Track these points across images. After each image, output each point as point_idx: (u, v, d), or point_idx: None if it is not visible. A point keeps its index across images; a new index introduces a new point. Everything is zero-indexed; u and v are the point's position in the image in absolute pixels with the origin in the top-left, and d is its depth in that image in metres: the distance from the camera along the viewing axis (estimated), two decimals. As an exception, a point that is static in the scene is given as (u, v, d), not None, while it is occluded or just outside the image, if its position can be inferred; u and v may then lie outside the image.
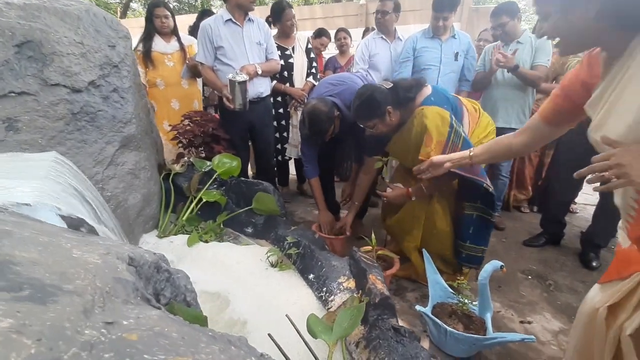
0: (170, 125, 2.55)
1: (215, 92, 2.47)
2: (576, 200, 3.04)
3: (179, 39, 2.80)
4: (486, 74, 2.51)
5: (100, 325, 0.30)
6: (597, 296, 0.88)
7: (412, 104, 1.67)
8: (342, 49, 3.34)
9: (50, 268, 0.37)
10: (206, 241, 1.82)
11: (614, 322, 0.80)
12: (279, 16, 2.67)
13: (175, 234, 1.88)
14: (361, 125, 1.75)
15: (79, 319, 0.29)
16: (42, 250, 0.42)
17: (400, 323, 1.30)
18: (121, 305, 0.36)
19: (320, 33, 3.44)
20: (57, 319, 0.28)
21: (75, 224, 1.01)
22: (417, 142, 1.56)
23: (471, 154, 1.34)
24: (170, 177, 2.10)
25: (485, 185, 1.61)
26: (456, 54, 2.48)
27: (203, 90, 3.15)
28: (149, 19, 2.67)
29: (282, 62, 2.68)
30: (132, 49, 1.87)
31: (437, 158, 1.47)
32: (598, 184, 0.76)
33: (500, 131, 2.47)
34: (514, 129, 2.47)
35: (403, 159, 1.78)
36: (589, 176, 0.75)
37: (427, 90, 1.70)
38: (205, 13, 3.01)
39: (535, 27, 2.63)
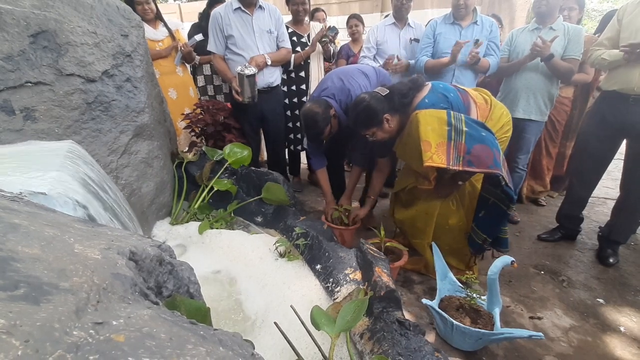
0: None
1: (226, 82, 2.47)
2: (596, 194, 2.93)
3: (165, 24, 2.69)
4: (517, 63, 2.31)
5: (89, 325, 0.31)
6: None
7: (409, 108, 1.65)
8: (354, 36, 3.26)
9: (50, 265, 0.39)
10: (217, 229, 1.85)
11: None
12: None
13: (188, 222, 1.92)
14: (361, 134, 1.77)
15: (69, 319, 0.30)
16: (44, 246, 0.44)
17: (407, 315, 1.30)
18: (115, 303, 0.37)
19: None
20: (47, 319, 0.29)
21: (87, 213, 1.04)
22: (417, 148, 1.53)
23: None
24: (183, 165, 2.13)
25: (501, 176, 1.50)
26: (476, 41, 2.37)
27: (196, 80, 3.10)
28: (130, 6, 2.55)
29: (298, 48, 2.65)
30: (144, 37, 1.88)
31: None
32: None
33: (519, 122, 2.38)
34: (534, 121, 2.39)
35: (409, 162, 1.80)
36: None
37: (425, 91, 1.66)
38: (215, 0, 2.97)
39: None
